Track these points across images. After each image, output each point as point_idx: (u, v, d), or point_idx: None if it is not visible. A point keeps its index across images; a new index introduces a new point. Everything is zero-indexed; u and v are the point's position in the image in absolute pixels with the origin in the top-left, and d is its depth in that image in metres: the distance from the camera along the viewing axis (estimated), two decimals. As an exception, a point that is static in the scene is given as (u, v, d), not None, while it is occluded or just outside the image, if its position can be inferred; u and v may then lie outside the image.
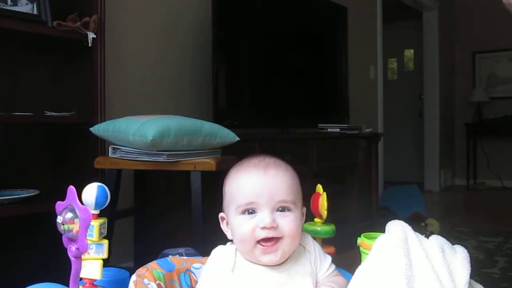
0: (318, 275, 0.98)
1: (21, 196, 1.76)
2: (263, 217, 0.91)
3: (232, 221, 0.95)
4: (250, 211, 0.93)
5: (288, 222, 0.93)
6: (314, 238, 1.09)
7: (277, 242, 0.92)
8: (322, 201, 1.17)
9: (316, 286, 0.97)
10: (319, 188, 1.19)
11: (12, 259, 1.91)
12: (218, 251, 0.97)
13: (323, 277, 0.99)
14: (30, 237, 1.95)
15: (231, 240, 0.99)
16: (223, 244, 1.00)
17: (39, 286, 0.89)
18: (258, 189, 0.93)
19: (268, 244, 0.91)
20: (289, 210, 0.94)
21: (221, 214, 1.00)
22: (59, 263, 1.69)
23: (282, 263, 0.95)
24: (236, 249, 0.97)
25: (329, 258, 1.01)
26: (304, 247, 1.00)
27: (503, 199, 5.38)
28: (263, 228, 0.91)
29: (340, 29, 3.60)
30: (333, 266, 1.01)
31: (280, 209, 0.93)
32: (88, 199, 0.84)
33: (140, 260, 1.94)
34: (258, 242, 0.91)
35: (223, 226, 1.00)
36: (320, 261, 1.00)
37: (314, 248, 1.01)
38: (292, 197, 0.95)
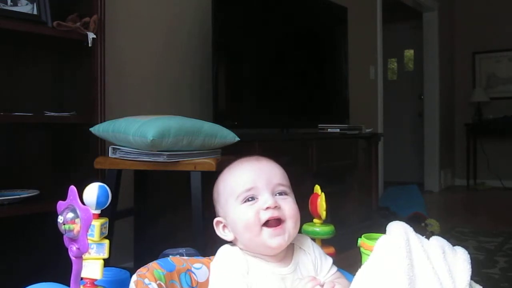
0: (319, 276, 0.98)
1: (21, 196, 1.76)
2: (265, 199, 0.94)
3: (234, 213, 0.95)
4: (251, 198, 0.94)
5: (289, 204, 0.95)
6: (314, 239, 1.09)
7: (282, 224, 0.93)
8: (321, 202, 1.17)
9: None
10: (317, 188, 1.19)
11: (12, 259, 1.91)
12: (227, 252, 0.96)
13: (325, 278, 0.99)
14: (30, 237, 1.95)
15: (230, 242, 0.99)
16: (223, 244, 1.00)
17: (40, 286, 0.89)
18: (255, 175, 0.96)
19: (274, 227, 0.93)
20: (286, 194, 0.97)
21: (216, 219, 1.00)
22: (60, 263, 1.69)
23: (288, 264, 0.96)
24: (241, 250, 0.96)
25: (330, 260, 1.02)
26: (304, 250, 1.00)
27: (503, 199, 5.38)
28: (267, 208, 0.92)
29: (340, 29, 3.60)
30: (335, 268, 1.01)
31: (278, 193, 0.96)
32: (89, 199, 0.84)
33: (140, 260, 1.94)
34: (264, 226, 0.93)
35: (219, 231, 0.99)
36: (320, 262, 1.00)
37: (313, 249, 1.01)
38: (287, 182, 0.98)
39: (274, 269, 0.95)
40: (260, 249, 0.94)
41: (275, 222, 0.93)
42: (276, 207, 0.93)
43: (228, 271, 0.92)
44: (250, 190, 0.95)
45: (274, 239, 0.92)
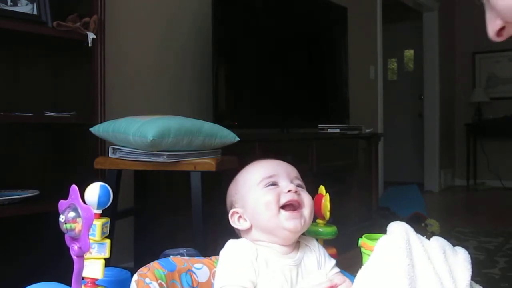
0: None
1: (21, 196, 1.76)
2: (286, 184, 1.01)
3: (254, 196, 1.00)
4: (272, 184, 1.01)
5: (306, 194, 1.02)
6: (316, 239, 1.09)
7: (299, 209, 0.99)
8: (325, 202, 1.17)
9: None
10: (322, 189, 1.19)
11: (12, 259, 1.91)
12: (236, 241, 1.00)
13: (328, 276, 1.01)
14: (30, 237, 1.95)
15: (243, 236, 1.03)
16: (223, 245, 1.01)
17: (41, 285, 0.89)
18: (276, 166, 1.04)
19: (293, 210, 0.98)
20: (302, 187, 1.04)
21: (232, 210, 1.05)
22: (60, 263, 1.69)
23: (294, 257, 0.99)
24: (251, 241, 0.99)
25: (333, 261, 1.05)
26: (309, 247, 1.04)
27: (503, 199, 5.38)
28: (288, 191, 0.99)
29: (340, 29, 3.60)
30: (338, 269, 1.04)
31: (296, 185, 1.02)
32: (91, 198, 0.84)
33: (140, 260, 1.94)
34: (282, 208, 0.98)
35: (235, 221, 1.04)
36: (324, 261, 1.03)
37: (318, 248, 1.05)
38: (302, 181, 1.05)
39: (281, 260, 0.98)
40: (277, 231, 0.98)
41: (293, 207, 0.99)
42: (297, 192, 1.00)
43: (237, 256, 0.95)
44: (272, 177, 1.01)
45: (291, 221, 0.97)
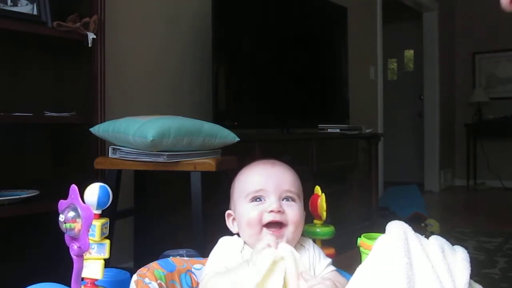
0: (316, 272, 1.01)
1: (21, 196, 1.76)
2: (271, 202, 0.99)
3: (241, 209, 1.01)
4: (258, 199, 1.00)
5: (293, 210, 1.00)
6: (314, 240, 1.10)
7: (282, 228, 0.98)
8: (321, 203, 1.18)
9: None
10: (318, 189, 1.20)
11: (13, 259, 1.91)
12: (226, 238, 1.03)
13: (321, 274, 1.01)
14: (30, 237, 1.95)
15: (237, 234, 1.05)
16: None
17: (40, 286, 0.89)
18: (266, 178, 1.02)
19: (275, 229, 0.98)
20: (293, 200, 1.02)
21: (228, 211, 1.07)
22: (60, 263, 1.69)
23: None
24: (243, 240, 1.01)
25: (328, 259, 1.05)
26: (304, 246, 1.04)
27: (503, 199, 5.38)
28: (271, 211, 0.98)
29: (340, 29, 3.60)
30: (332, 267, 1.04)
31: (285, 198, 1.01)
32: (91, 199, 0.84)
33: (140, 260, 1.94)
34: (265, 226, 0.98)
35: (229, 223, 1.06)
36: (318, 259, 1.03)
37: (313, 248, 1.05)
38: (296, 190, 1.03)
39: None
40: None
41: (276, 225, 0.98)
42: (280, 212, 0.98)
43: (224, 248, 0.99)
44: (259, 191, 1.00)
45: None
